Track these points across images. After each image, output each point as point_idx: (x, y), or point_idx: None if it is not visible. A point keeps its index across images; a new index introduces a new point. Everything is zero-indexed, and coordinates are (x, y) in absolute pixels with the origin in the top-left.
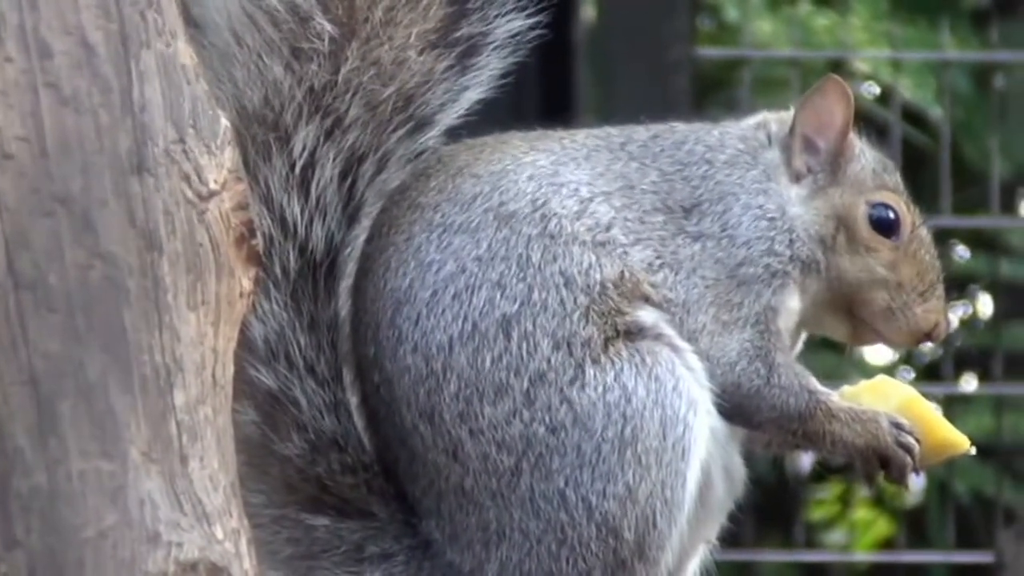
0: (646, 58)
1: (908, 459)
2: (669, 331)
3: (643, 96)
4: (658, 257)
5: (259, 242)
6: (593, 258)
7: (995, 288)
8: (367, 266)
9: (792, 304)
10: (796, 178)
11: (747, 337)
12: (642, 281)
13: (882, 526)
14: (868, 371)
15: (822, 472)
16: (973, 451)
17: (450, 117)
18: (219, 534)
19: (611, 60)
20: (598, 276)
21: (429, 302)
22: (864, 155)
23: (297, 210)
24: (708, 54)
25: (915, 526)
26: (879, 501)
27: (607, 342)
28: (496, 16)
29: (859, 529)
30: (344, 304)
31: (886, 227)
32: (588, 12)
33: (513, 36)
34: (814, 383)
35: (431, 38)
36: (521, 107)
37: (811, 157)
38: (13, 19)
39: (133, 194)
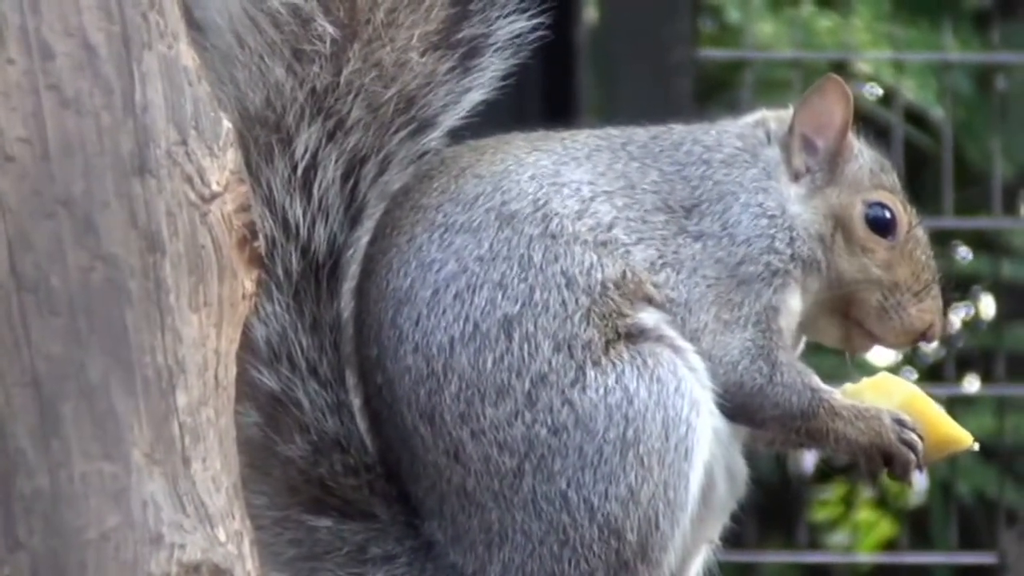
0: (648, 60)
1: (911, 456)
2: (671, 332)
3: (645, 98)
4: (660, 257)
5: (261, 244)
6: (595, 258)
7: (997, 289)
8: (370, 267)
9: (794, 303)
10: (795, 177)
11: (749, 336)
12: (644, 281)
13: (885, 527)
14: (871, 372)
15: (826, 471)
16: (976, 447)
17: (452, 118)
18: (222, 536)
19: (613, 62)
20: (599, 276)
21: (430, 302)
22: (862, 155)
23: (299, 212)
24: (710, 56)
25: (918, 527)
26: (882, 502)
27: (608, 344)
28: (498, 17)
29: (862, 530)
30: (346, 305)
31: (882, 227)
32: (590, 14)
33: (515, 37)
34: (817, 381)
35: (433, 39)
36: (523, 109)
37: (810, 156)
38: (15, 21)
39: (135, 196)
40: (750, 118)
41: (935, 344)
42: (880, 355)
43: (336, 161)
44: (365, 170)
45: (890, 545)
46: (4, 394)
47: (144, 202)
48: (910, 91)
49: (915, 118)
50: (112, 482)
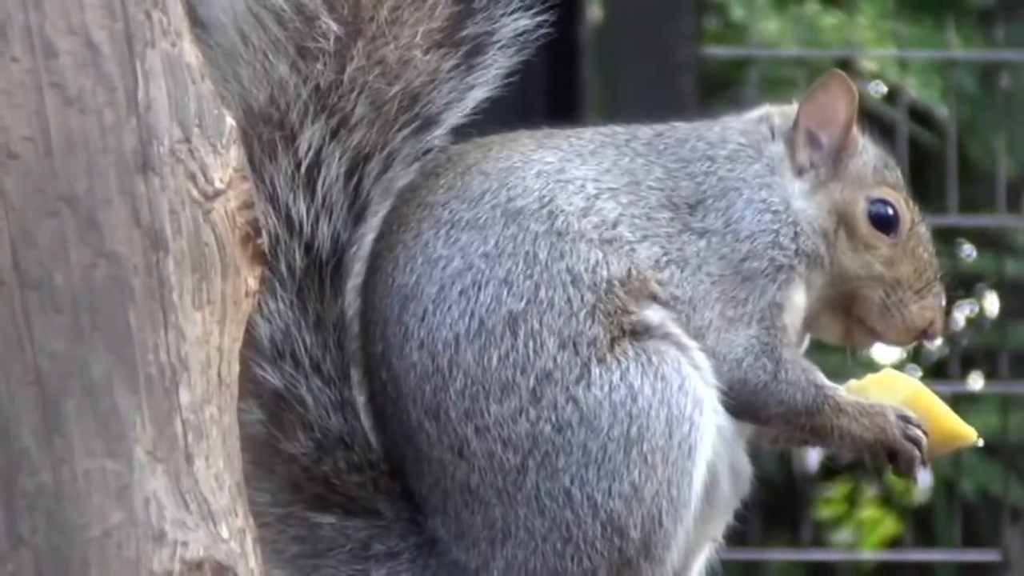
0: (652, 58)
1: (916, 452)
2: (675, 330)
3: (649, 96)
4: (665, 254)
5: (264, 241)
6: (600, 255)
7: (1001, 287)
8: (376, 264)
9: (798, 300)
10: (799, 172)
11: (753, 333)
12: (649, 279)
13: (889, 525)
14: (875, 369)
15: (831, 469)
16: (980, 442)
17: (456, 116)
18: (225, 533)
19: (617, 60)
20: (605, 274)
21: (436, 298)
22: (866, 151)
23: (303, 209)
24: (714, 53)
25: (922, 525)
26: (886, 500)
27: (613, 341)
28: (502, 15)
29: (866, 528)
30: (350, 303)
31: (885, 223)
32: (594, 12)
33: (519, 35)
34: (821, 378)
35: (437, 37)
36: (527, 107)
37: (814, 152)
38: (18, 19)
39: (138, 193)
40: (754, 114)
41: (938, 341)
42: (884, 352)
43: (340, 158)
44: (369, 167)
45: (894, 543)
46: (7, 391)
47: (147, 200)
48: (914, 89)
49: (919, 116)
50: (115, 479)
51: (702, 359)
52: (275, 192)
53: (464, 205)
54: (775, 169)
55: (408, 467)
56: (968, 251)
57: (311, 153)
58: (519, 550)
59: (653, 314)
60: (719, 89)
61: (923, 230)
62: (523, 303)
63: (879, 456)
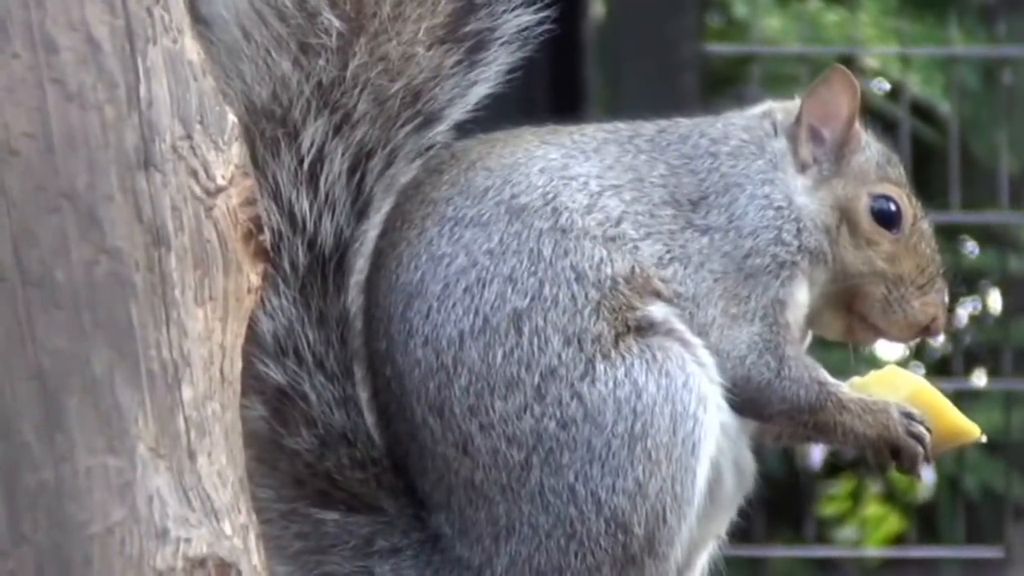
0: (655, 55)
1: (919, 448)
2: (680, 326)
3: (652, 93)
4: (668, 251)
5: (267, 237)
6: (604, 253)
7: (1004, 283)
8: (380, 261)
9: (801, 296)
10: (802, 168)
11: (756, 330)
12: (653, 276)
13: (892, 522)
14: (879, 366)
15: (835, 466)
16: (984, 439)
17: (458, 112)
18: (228, 529)
19: (620, 57)
20: (609, 271)
21: (440, 295)
22: (869, 147)
23: (306, 205)
24: (717, 50)
25: (925, 521)
26: (890, 497)
27: (618, 338)
28: (504, 11)
29: (870, 524)
30: (353, 299)
31: (887, 219)
32: (597, 8)
33: (521, 31)
34: (824, 375)
35: (439, 33)
36: (530, 103)
37: (816, 147)
38: (19, 15)
39: (140, 190)
40: (757, 110)
41: (940, 338)
42: (887, 349)
43: (342, 155)
44: (371, 164)
45: (898, 539)
46: (9, 388)
47: (149, 196)
48: (916, 85)
49: (922, 112)
50: (117, 476)
51: (706, 356)
52: (278, 189)
53: (468, 202)
54: (778, 165)
55: (412, 463)
56: (971, 248)
57: (314, 149)
58: (523, 546)
59: (657, 310)
60: (722, 86)
61: (925, 226)
62: (527, 300)
63: (882, 453)
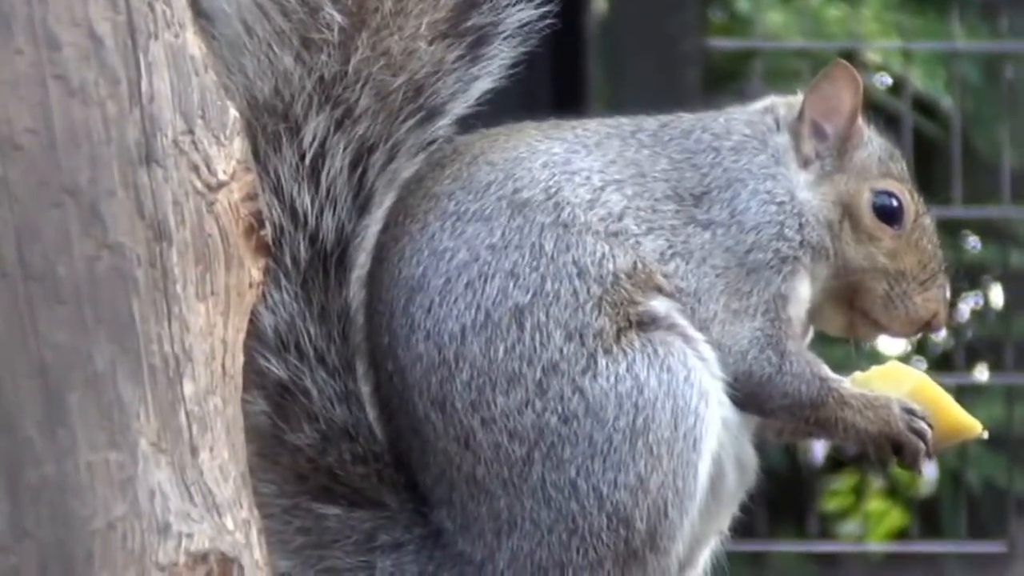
0: (657, 49)
1: (921, 444)
2: (682, 321)
3: (654, 87)
4: (670, 247)
5: (268, 232)
6: (606, 248)
7: (1006, 278)
8: (382, 255)
9: (803, 291)
10: (804, 163)
11: (758, 325)
12: (655, 272)
13: (895, 517)
14: (880, 361)
15: (837, 461)
16: (985, 435)
17: (460, 107)
18: (229, 524)
19: (622, 51)
20: (611, 267)
21: (442, 290)
22: (871, 142)
23: (307, 200)
24: (719, 45)
25: (928, 516)
26: (892, 492)
27: (619, 332)
28: (506, 6)
29: (872, 520)
30: (355, 294)
31: (889, 215)
32: (599, 3)
33: (523, 26)
34: (825, 370)
35: (441, 28)
36: (532, 97)
37: (819, 142)
38: (22, 11)
39: (142, 185)
40: (759, 105)
41: (942, 333)
42: (889, 344)
43: (344, 149)
44: (373, 158)
45: (900, 534)
46: (11, 383)
47: (151, 191)
48: (918, 80)
49: (924, 107)
50: (119, 471)
51: (708, 351)
52: (279, 183)
53: (470, 196)
54: (780, 160)
55: (413, 458)
56: (973, 243)
57: (315, 144)
58: (525, 541)
59: (659, 305)
60: (723, 81)
61: (927, 222)
62: (529, 295)
63: (884, 449)
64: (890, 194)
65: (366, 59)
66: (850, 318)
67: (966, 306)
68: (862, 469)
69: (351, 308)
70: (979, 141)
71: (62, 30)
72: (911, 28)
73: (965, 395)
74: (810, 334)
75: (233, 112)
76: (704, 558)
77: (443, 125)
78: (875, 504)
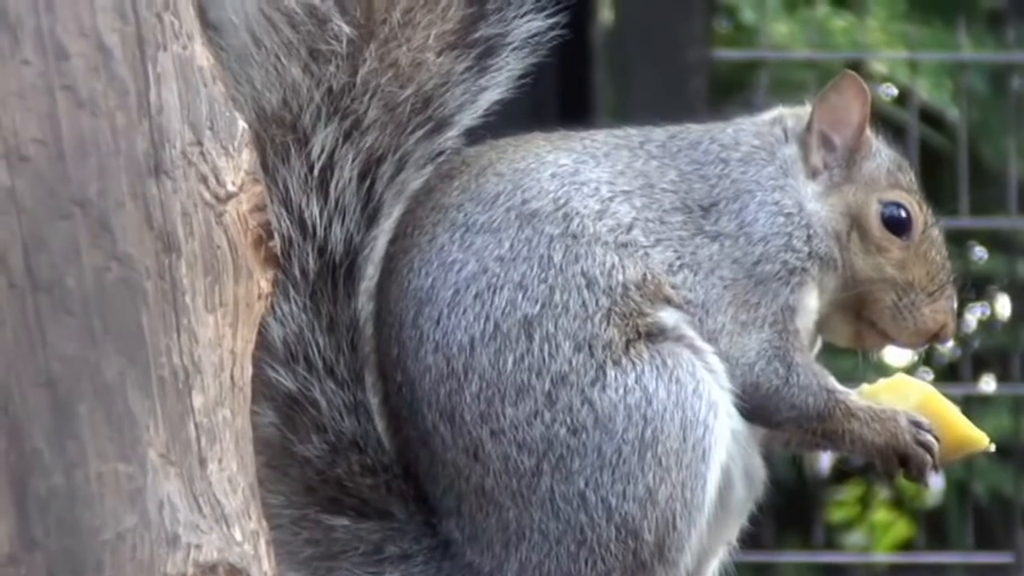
0: (663, 60)
1: (927, 457)
2: (690, 332)
3: (660, 98)
4: (678, 258)
5: (277, 243)
6: (616, 259)
7: (1013, 289)
8: (391, 266)
9: (810, 302)
10: (813, 174)
11: (765, 337)
12: (663, 283)
13: (901, 527)
14: (887, 373)
15: (844, 472)
16: (992, 448)
17: (468, 118)
18: (238, 536)
19: (628, 62)
20: (620, 277)
21: (451, 302)
22: (880, 153)
23: (316, 211)
24: (725, 56)
25: (934, 527)
26: (898, 503)
27: (628, 344)
28: (514, 17)
29: (879, 530)
30: (363, 305)
31: (897, 226)
32: (605, 14)
33: (531, 37)
34: (833, 382)
35: (449, 39)
36: (539, 109)
37: (827, 153)
38: (30, 22)
39: (150, 196)
40: (767, 116)
41: (949, 344)
42: (896, 356)
43: (353, 161)
44: (382, 170)
45: (906, 545)
46: (20, 394)
47: (159, 202)
48: (925, 91)
49: (930, 118)
50: (128, 482)
51: (716, 362)
52: (288, 195)
53: (479, 208)
54: (788, 171)
55: (422, 469)
56: (979, 253)
57: (324, 156)
58: (533, 552)
59: (668, 316)
60: (730, 92)
61: (935, 233)
62: (538, 307)
63: (890, 461)
64: (899, 205)
65: (374, 70)
66: (858, 329)
67: (973, 317)
68: (868, 480)
69: (360, 319)
70: (986, 152)
71: (70, 40)
72: (917, 39)
73: (972, 406)
74: (818, 345)
75: (242, 123)
76: (712, 569)
77: (451, 136)
78: (881, 515)
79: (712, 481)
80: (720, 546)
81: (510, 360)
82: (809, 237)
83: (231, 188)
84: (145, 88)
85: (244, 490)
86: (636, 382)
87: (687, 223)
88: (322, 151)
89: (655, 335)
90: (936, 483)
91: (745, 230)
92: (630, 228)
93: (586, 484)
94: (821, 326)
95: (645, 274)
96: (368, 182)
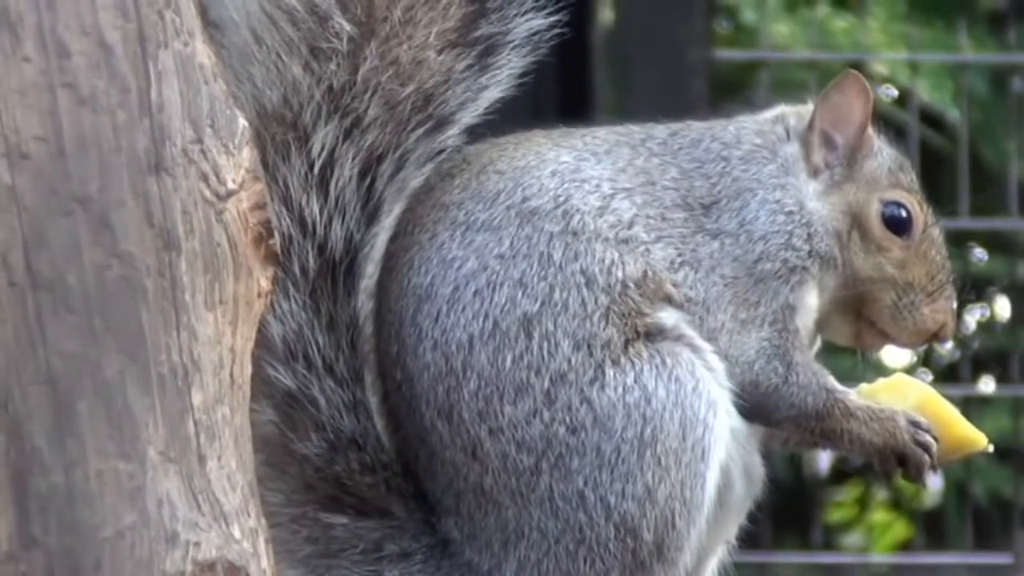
0: (664, 60)
1: (926, 457)
2: (690, 332)
3: (661, 98)
4: (679, 255)
5: (277, 241)
6: (616, 256)
7: (1013, 290)
8: (391, 264)
9: (810, 301)
10: (814, 173)
11: (765, 336)
12: (664, 280)
13: (900, 528)
14: (886, 373)
15: (842, 472)
16: (991, 448)
17: (469, 116)
18: (237, 533)
19: (629, 62)
20: (620, 275)
21: (450, 299)
22: (881, 152)
23: (316, 209)
24: (725, 56)
25: (933, 528)
26: (897, 503)
27: (627, 343)
28: (515, 16)
29: (877, 531)
30: (363, 304)
31: (898, 225)
32: (606, 14)
33: (532, 35)
34: (832, 381)
35: (450, 37)
36: (540, 107)
37: (829, 152)
38: (31, 19)
39: (151, 194)
40: (769, 114)
41: (949, 344)
42: (895, 356)
43: (353, 159)
44: (382, 168)
45: (905, 546)
46: (20, 392)
47: (160, 200)
48: (925, 92)
49: (931, 119)
50: (127, 480)
51: (716, 361)
52: (288, 193)
53: (479, 206)
54: (790, 170)
55: (421, 468)
56: (979, 255)
57: (324, 154)
58: (532, 551)
59: (667, 316)
60: (730, 92)
61: (936, 233)
62: (537, 305)
63: (888, 461)
64: (899, 204)
65: (375, 68)
66: (857, 328)
67: (972, 318)
68: (867, 480)
69: (359, 317)
70: (986, 153)
71: (72, 38)
72: (918, 40)
73: (971, 407)
74: (817, 344)
75: (242, 121)
76: (711, 568)
77: (452, 134)
78: (880, 515)
79: (711, 480)
80: (719, 545)
81: (509, 358)
82: (810, 236)
83: (231, 186)
84: (146, 86)
85: (243, 488)
86: (635, 381)
87: (688, 221)
88: (322, 149)
89: (654, 335)
90: (934, 483)
91: (746, 228)
92: (631, 225)
93: (585, 483)
94: (821, 325)
95: (646, 271)
96: (368, 180)
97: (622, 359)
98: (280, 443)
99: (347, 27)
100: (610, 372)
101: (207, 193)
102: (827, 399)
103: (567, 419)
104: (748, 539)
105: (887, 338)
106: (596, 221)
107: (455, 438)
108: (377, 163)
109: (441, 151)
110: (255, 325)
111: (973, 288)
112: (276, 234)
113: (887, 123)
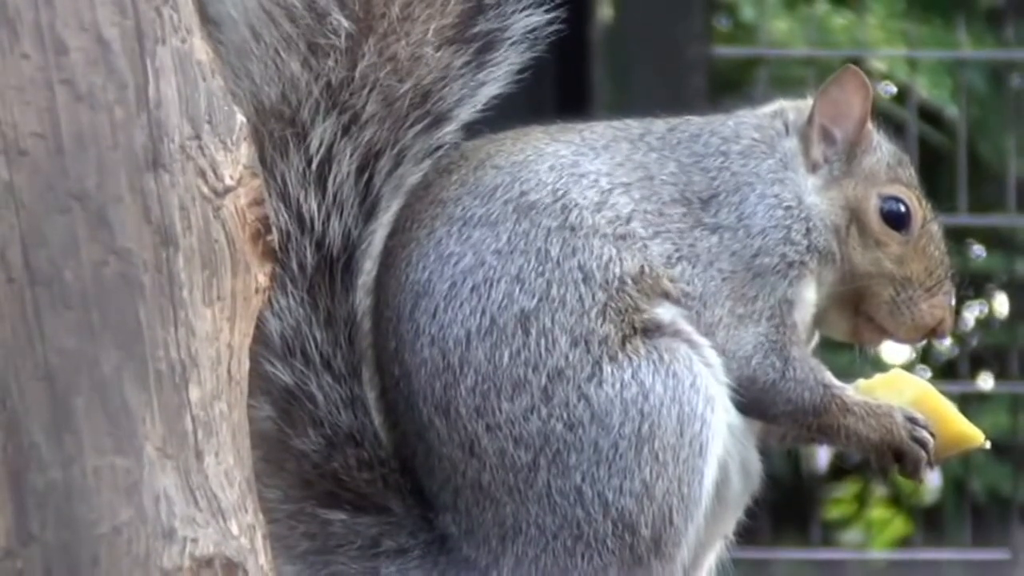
0: (662, 57)
1: (922, 453)
2: (687, 327)
3: (659, 94)
4: (676, 250)
5: (275, 238)
6: (613, 252)
7: (1011, 287)
8: (389, 260)
9: (808, 296)
10: (813, 168)
11: (762, 331)
12: (661, 275)
13: (898, 525)
14: (884, 369)
15: (841, 469)
16: (988, 444)
17: (467, 112)
18: (234, 529)
19: (627, 59)
20: (617, 271)
21: (447, 295)
22: (880, 148)
23: (314, 206)
24: (724, 53)
25: (931, 524)
26: (895, 500)
27: (624, 339)
28: (513, 12)
29: (875, 527)
30: (361, 300)
31: (896, 220)
32: (605, 11)
33: (530, 32)
34: (829, 377)
35: (448, 34)
36: (538, 104)
37: (828, 147)
38: (29, 16)
39: (148, 190)
40: (768, 109)
41: (947, 340)
42: (893, 352)
43: (351, 155)
44: (380, 164)
45: (904, 542)
46: (17, 388)
47: (157, 196)
48: (924, 89)
49: (929, 116)
50: (125, 476)
51: (713, 356)
52: (286, 189)
53: (476, 201)
54: (788, 164)
55: (419, 464)
56: (978, 251)
57: (322, 150)
58: (529, 547)
59: (664, 312)
60: (729, 89)
61: (935, 228)
62: (535, 301)
63: (885, 457)
64: (898, 199)
65: (373, 65)
66: (855, 323)
67: (970, 314)
68: (865, 477)
69: (357, 313)
70: (984, 150)
71: (69, 35)
72: (917, 36)
73: (969, 403)
74: (815, 339)
75: (240, 117)
76: (709, 563)
77: (450, 131)
78: (878, 511)
79: (709, 475)
80: (717, 540)
81: (506, 354)
82: (808, 230)
83: (229, 182)
84: (144, 82)
85: (241, 484)
86: (632, 377)
87: (686, 215)
88: (320, 145)
89: (651, 331)
90: (931, 480)
91: (744, 223)
92: (629, 219)
93: (583, 479)
94: (819, 320)
95: (643, 266)
96: (366, 176)
97: (619, 355)
98: (278, 439)
99: (345, 23)
100: (607, 368)
101: (205, 189)
102: (824, 394)
103: (564, 415)
104: (746, 535)
105: (885, 333)
106: (594, 216)
107: (452, 434)
108: (375, 159)
109: (439, 147)
110: (253, 321)
111: (971, 284)
112: (274, 230)
113: (886, 120)
